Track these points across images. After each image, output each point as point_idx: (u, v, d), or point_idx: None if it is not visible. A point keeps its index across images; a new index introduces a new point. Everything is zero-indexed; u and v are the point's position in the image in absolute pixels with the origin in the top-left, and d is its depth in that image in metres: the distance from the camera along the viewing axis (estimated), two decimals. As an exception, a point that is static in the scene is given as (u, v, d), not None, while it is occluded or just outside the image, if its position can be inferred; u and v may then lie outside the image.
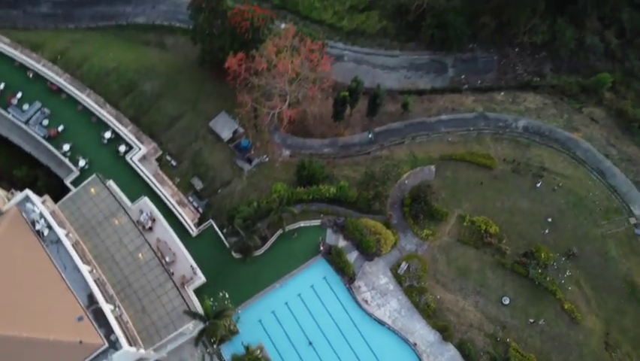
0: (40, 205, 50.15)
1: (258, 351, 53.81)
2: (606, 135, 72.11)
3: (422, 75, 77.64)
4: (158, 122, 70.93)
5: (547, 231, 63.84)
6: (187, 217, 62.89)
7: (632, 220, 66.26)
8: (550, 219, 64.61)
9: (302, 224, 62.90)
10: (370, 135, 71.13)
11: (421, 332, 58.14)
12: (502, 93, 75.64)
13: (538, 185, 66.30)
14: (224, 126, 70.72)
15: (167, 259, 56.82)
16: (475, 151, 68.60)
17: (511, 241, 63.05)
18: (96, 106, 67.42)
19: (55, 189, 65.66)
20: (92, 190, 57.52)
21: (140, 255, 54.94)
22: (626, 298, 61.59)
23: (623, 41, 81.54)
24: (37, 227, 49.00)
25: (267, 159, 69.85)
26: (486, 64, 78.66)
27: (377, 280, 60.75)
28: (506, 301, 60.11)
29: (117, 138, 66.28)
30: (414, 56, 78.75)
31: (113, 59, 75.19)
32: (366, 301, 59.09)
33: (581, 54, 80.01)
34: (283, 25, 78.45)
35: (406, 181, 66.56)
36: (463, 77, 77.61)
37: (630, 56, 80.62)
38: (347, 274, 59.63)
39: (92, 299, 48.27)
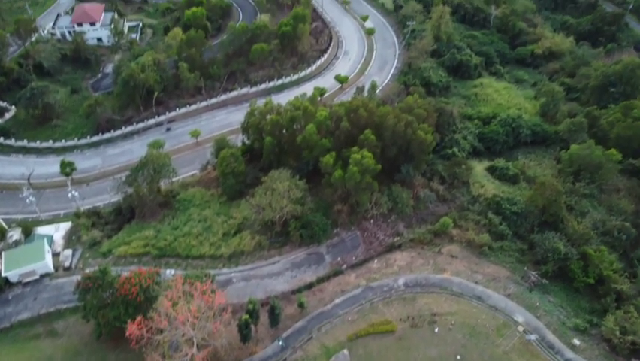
0: None
1: None
2: (468, 265, 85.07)
3: (305, 270, 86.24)
4: (69, 415, 68.16)
5: (461, 368, 70.73)
6: None
7: (520, 328, 76.33)
8: (459, 357, 71.92)
9: None
10: (281, 343, 75.31)
11: None
12: (376, 261, 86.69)
13: (436, 330, 74.54)
14: (140, 391, 69.98)
15: None
16: (374, 322, 75.98)
17: (437, 391, 68.39)
18: None
19: None
20: None
21: None
22: (548, 401, 68.54)
23: (446, 186, 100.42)
24: None
25: (191, 407, 69.38)
26: (353, 241, 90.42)
27: None
28: None
29: None
30: (292, 257, 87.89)
31: (4, 367, 72.93)
32: None
33: (421, 206, 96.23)
34: (168, 272, 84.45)
35: (328, 374, 70.53)
36: (339, 259, 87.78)
37: (456, 194, 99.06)
38: None
39: None
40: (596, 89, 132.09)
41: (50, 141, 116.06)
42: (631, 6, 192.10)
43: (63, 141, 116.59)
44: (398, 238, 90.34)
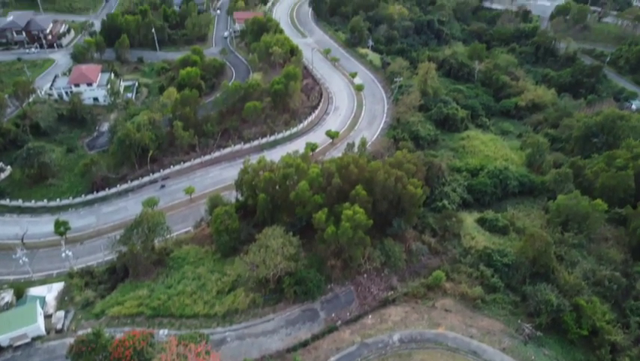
0: None
1: None
2: (462, 319, 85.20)
3: (300, 327, 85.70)
4: None
5: None
6: None
7: (517, 384, 75.94)
8: (456, 415, 71.12)
9: None
10: (276, 405, 74.32)
11: None
12: (370, 317, 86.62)
13: (433, 388, 73.96)
14: None
15: None
16: (369, 382, 75.37)
17: None
18: None
19: None
20: None
21: None
22: None
23: (438, 238, 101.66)
24: None
25: None
26: (347, 296, 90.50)
27: None
28: None
29: None
30: (287, 314, 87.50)
31: None
32: None
33: (414, 259, 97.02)
34: (161, 332, 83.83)
35: None
36: (333, 315, 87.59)
37: (448, 247, 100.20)
38: None
39: None
40: (580, 140, 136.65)
41: (45, 200, 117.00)
42: (608, 59, 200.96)
43: (58, 200, 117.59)
44: (392, 293, 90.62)
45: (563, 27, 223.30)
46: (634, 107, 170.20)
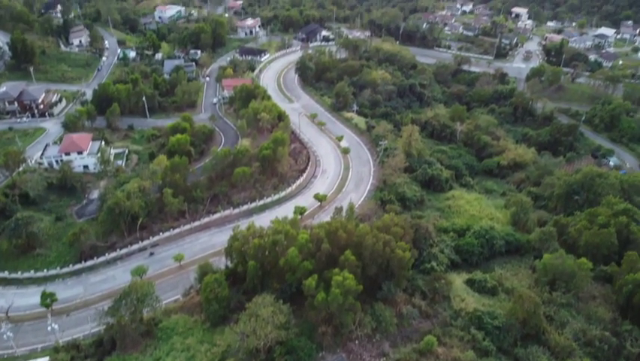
0: None
1: None
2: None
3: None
4: None
5: None
6: None
7: None
8: None
9: None
10: None
11: None
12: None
13: None
14: None
15: None
16: None
17: None
18: None
19: None
20: None
21: None
22: None
23: (428, 301, 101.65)
24: None
25: None
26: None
27: None
28: None
29: None
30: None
31: None
32: None
33: (405, 323, 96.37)
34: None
35: None
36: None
37: (438, 309, 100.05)
38: None
39: None
40: (562, 197, 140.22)
41: (32, 271, 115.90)
42: (583, 117, 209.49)
43: (45, 270, 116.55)
44: (384, 359, 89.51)
45: (539, 88, 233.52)
46: (612, 163, 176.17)
